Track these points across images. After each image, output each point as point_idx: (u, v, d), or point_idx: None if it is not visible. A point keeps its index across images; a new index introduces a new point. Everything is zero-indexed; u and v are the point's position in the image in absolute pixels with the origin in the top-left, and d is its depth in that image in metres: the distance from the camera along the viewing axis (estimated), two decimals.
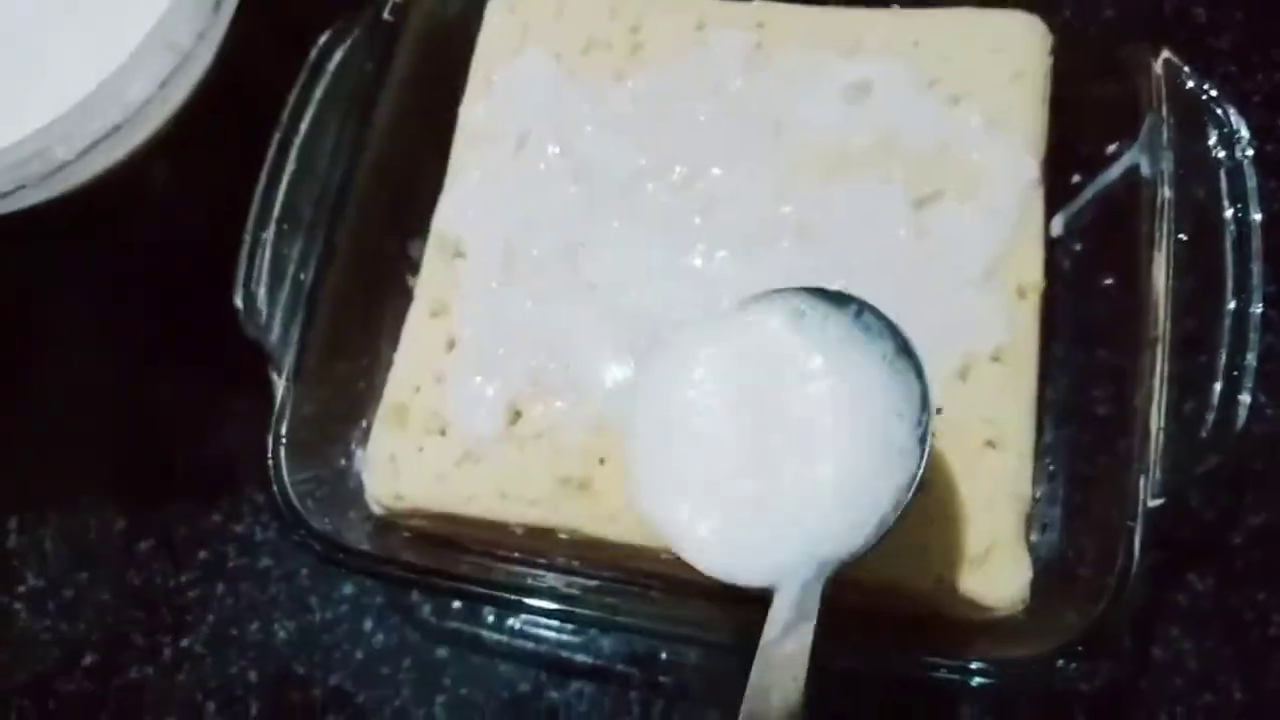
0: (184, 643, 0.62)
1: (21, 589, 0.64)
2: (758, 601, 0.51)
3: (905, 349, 0.40)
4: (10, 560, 0.65)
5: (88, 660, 0.62)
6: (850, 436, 0.39)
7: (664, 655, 0.58)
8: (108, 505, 0.65)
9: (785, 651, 0.37)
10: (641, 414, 0.42)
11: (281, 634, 0.61)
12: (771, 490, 0.39)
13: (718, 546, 0.40)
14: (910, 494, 0.39)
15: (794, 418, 0.40)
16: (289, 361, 0.50)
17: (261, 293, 0.51)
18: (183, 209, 0.66)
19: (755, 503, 0.39)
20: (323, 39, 0.55)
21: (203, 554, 0.63)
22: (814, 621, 0.37)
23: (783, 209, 0.52)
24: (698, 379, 0.42)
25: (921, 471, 0.39)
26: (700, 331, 0.43)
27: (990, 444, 0.48)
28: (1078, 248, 0.56)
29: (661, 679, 0.58)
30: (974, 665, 0.44)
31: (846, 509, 0.39)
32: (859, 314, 0.41)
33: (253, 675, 0.61)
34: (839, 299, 0.42)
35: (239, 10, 0.58)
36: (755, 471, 0.40)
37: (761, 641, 0.37)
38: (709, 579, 0.40)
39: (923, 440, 0.39)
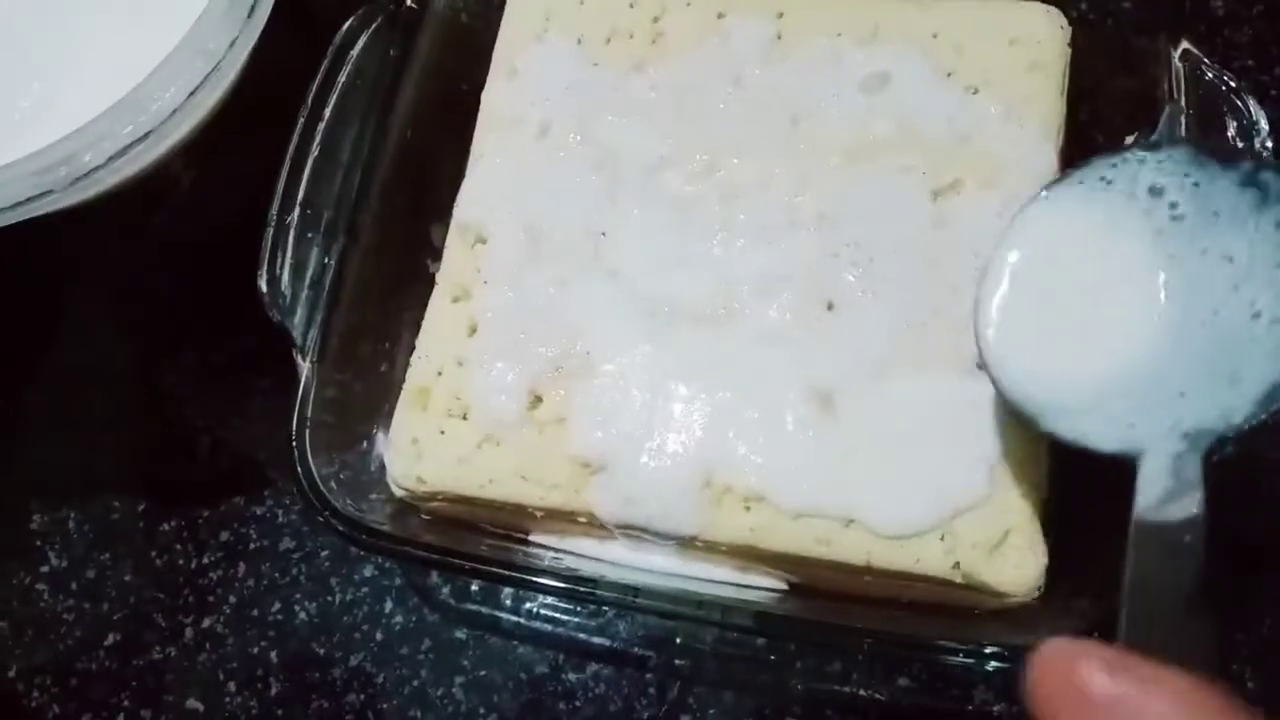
0: (205, 623, 0.62)
1: (44, 569, 0.65)
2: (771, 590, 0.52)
3: None
4: (33, 541, 0.65)
5: (110, 640, 0.63)
6: (1226, 298, 0.38)
7: (680, 639, 0.59)
8: (130, 487, 0.66)
9: (1170, 522, 0.34)
10: (1012, 272, 0.42)
11: (302, 615, 0.62)
12: (1134, 358, 0.38)
13: (1078, 416, 0.39)
14: None
15: (1168, 276, 0.39)
16: (313, 345, 0.51)
17: (285, 277, 0.52)
18: (207, 200, 0.66)
19: (1117, 369, 0.39)
20: (346, 25, 0.55)
21: (224, 535, 0.64)
22: (1201, 491, 0.34)
23: (801, 198, 0.53)
24: (1069, 244, 0.42)
25: None
26: (1076, 195, 0.42)
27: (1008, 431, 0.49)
28: None
29: (678, 662, 0.58)
30: (988, 650, 0.44)
31: (1217, 381, 0.37)
32: (1254, 173, 0.39)
33: (273, 655, 0.61)
34: (1228, 162, 0.40)
35: None
36: (1116, 341, 0.39)
37: (1134, 515, 0.35)
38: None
39: None
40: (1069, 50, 0.54)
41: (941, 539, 0.47)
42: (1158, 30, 0.52)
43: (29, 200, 0.53)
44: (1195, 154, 0.41)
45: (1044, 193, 0.44)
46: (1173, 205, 0.40)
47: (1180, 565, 0.33)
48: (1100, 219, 0.41)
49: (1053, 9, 0.55)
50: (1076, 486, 0.51)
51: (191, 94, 0.54)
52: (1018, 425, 0.47)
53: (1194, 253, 0.39)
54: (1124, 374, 0.39)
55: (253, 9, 0.56)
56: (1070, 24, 0.55)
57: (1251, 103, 0.49)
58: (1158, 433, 0.37)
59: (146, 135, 0.54)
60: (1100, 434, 0.39)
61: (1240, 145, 0.49)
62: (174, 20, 0.54)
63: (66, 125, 0.52)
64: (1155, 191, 0.41)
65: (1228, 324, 0.38)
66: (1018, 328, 0.41)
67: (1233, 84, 0.50)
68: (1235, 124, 0.49)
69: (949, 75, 0.54)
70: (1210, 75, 0.50)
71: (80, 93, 0.54)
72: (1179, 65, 0.51)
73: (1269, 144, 0.49)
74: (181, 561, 0.64)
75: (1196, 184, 0.40)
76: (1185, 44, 0.51)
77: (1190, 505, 0.34)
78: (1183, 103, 0.50)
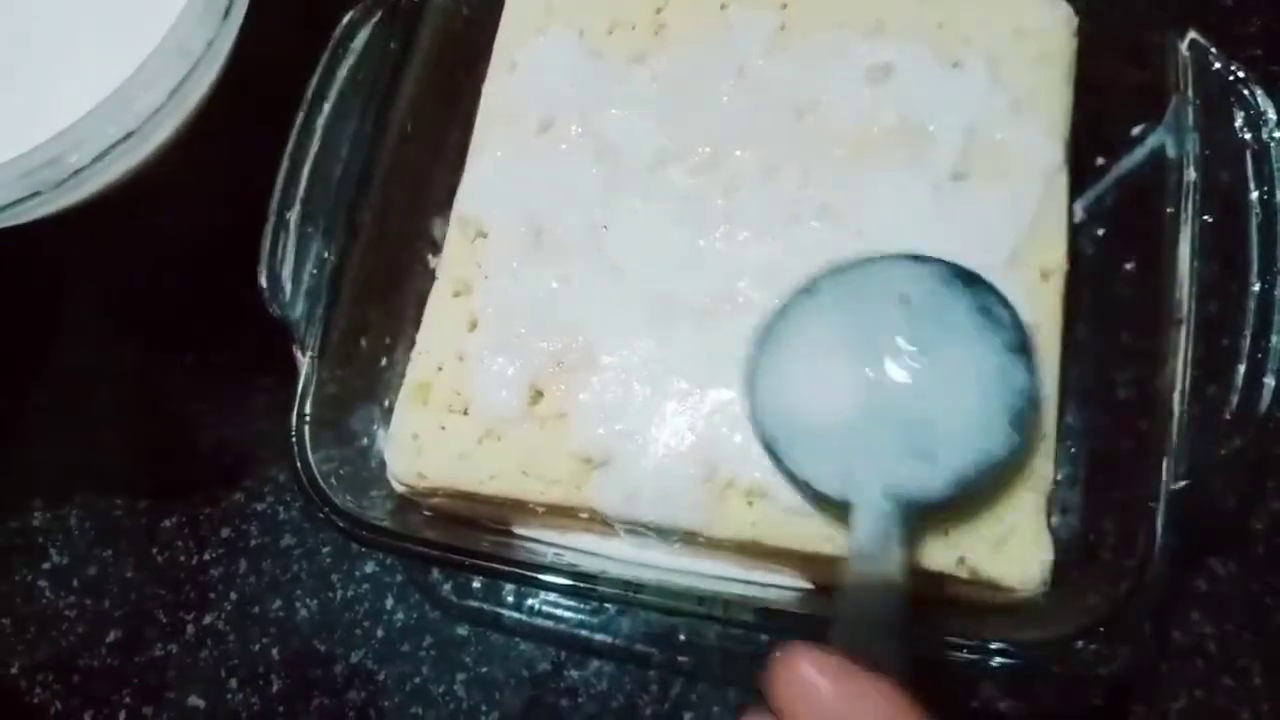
0: (207, 620, 0.62)
1: (46, 566, 0.65)
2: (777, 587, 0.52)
3: (1024, 347, 0.44)
4: (35, 537, 0.65)
5: (111, 637, 0.63)
6: (937, 393, 0.44)
7: (682, 636, 0.58)
8: (132, 483, 0.66)
9: (874, 570, 0.39)
10: (770, 346, 0.47)
11: (303, 612, 0.62)
12: (863, 423, 0.44)
13: (804, 457, 0.45)
14: (994, 469, 0.43)
15: (894, 367, 0.45)
16: (313, 340, 0.50)
17: (285, 272, 0.51)
18: (205, 194, 0.66)
19: (847, 428, 0.44)
20: (346, 18, 0.55)
21: (226, 532, 0.64)
22: (901, 551, 0.40)
23: (806, 191, 0.52)
24: (817, 324, 0.47)
25: (1005, 454, 0.43)
26: (824, 285, 0.48)
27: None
28: (1100, 231, 0.56)
29: (680, 658, 0.58)
30: (994, 646, 0.44)
31: (929, 459, 0.43)
32: (985, 303, 0.45)
33: (275, 652, 0.61)
34: (969, 280, 0.45)
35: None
36: (846, 406, 0.44)
37: (848, 554, 0.40)
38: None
39: (1015, 428, 0.43)
40: (1075, 41, 0.54)
41: (946, 534, 0.46)
42: (1165, 21, 0.52)
43: (16, 203, 0.53)
44: (947, 273, 0.46)
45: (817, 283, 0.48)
46: (914, 310, 0.46)
47: (882, 602, 0.39)
48: (853, 308, 0.47)
49: None
50: (1083, 482, 0.51)
51: (172, 94, 0.54)
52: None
53: (921, 349, 0.45)
54: (845, 434, 0.44)
55: (228, 10, 0.56)
56: (1077, 14, 0.54)
57: (1259, 93, 0.49)
58: (868, 487, 0.43)
59: (129, 135, 0.54)
60: (823, 478, 0.44)
61: (1247, 136, 0.49)
62: (152, 23, 0.54)
63: (51, 128, 0.52)
64: (904, 299, 0.46)
65: (934, 413, 0.44)
66: (777, 386, 0.46)
67: (1240, 74, 0.49)
68: (1243, 114, 0.49)
69: (954, 66, 0.54)
70: (1218, 66, 0.50)
71: (66, 98, 0.54)
72: (1186, 56, 0.50)
73: (1276, 134, 0.48)
74: (183, 558, 0.64)
75: (939, 299, 0.45)
76: (1192, 34, 0.50)
77: (891, 560, 0.40)
78: (1190, 93, 0.50)
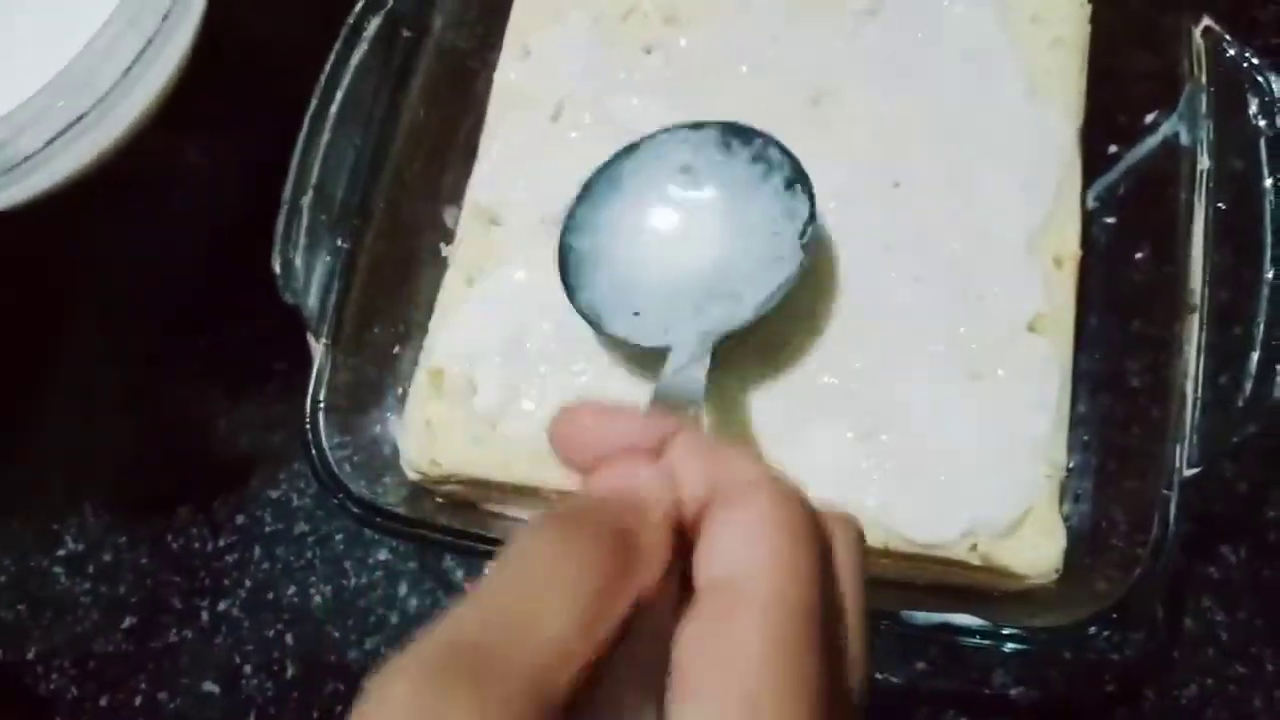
0: (221, 606, 0.63)
1: (61, 552, 0.65)
2: None
3: (796, 180, 0.48)
4: (49, 524, 0.65)
5: (126, 623, 0.63)
6: (733, 242, 0.48)
7: None
8: (146, 471, 0.66)
9: (680, 389, 0.42)
10: (573, 233, 0.50)
11: (317, 598, 0.62)
12: (672, 284, 0.48)
13: (628, 323, 0.48)
14: (787, 288, 0.46)
15: (692, 228, 0.49)
16: (327, 327, 0.51)
17: (298, 259, 0.51)
18: (218, 182, 0.66)
19: (658, 291, 0.49)
20: (359, 5, 0.55)
21: (239, 519, 0.64)
22: (705, 363, 0.44)
23: (820, 179, 0.52)
24: (612, 207, 0.50)
25: (797, 270, 0.47)
26: (610, 171, 0.51)
27: (1025, 413, 0.48)
28: (1111, 219, 0.56)
29: None
30: (1006, 631, 0.44)
31: (736, 299, 0.47)
32: (762, 149, 0.49)
33: (289, 638, 0.62)
34: (741, 134, 0.49)
35: None
36: (660, 264, 0.49)
37: (658, 381, 0.43)
38: None
39: (803, 248, 0.47)
40: (1089, 27, 0.54)
41: (959, 521, 0.47)
42: (1179, 7, 0.51)
43: None
44: (719, 134, 0.50)
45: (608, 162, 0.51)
46: (698, 177, 0.50)
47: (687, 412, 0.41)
48: (643, 185, 0.50)
49: None
50: (1094, 470, 0.51)
51: (126, 73, 0.52)
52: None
53: (714, 213, 0.49)
54: (660, 293, 0.48)
55: None
56: (1091, 1, 0.54)
57: (1273, 80, 0.49)
58: (683, 334, 0.46)
59: (83, 117, 0.52)
60: (646, 336, 0.48)
61: (1261, 123, 0.49)
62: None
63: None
64: (685, 168, 0.50)
65: (733, 258, 0.48)
66: (589, 266, 0.50)
67: (1254, 61, 0.49)
68: (1256, 101, 0.49)
69: (971, 53, 0.53)
70: (1232, 52, 0.50)
71: (12, 78, 0.51)
72: (1200, 42, 0.50)
73: None
74: (197, 545, 0.64)
75: (718, 158, 0.49)
76: (1206, 21, 0.50)
77: (696, 373, 0.43)
78: (1203, 80, 0.50)
